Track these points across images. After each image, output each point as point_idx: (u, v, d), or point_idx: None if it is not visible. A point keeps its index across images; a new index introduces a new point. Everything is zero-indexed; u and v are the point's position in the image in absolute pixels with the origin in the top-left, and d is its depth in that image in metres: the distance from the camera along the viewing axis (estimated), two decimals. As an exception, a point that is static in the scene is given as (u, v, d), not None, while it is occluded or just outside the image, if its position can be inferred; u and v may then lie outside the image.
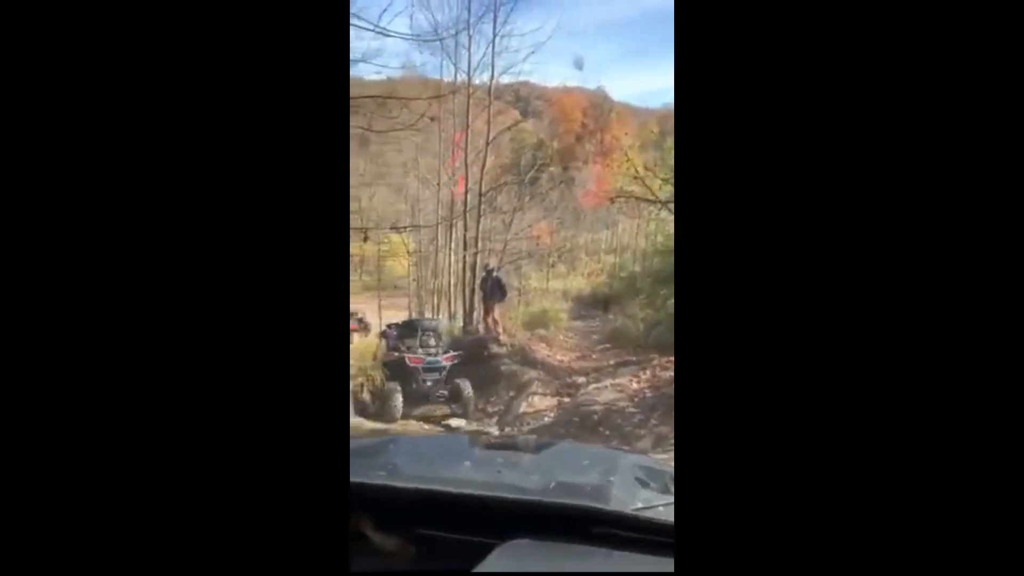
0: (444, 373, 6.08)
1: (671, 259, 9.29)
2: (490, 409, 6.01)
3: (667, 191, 8.65)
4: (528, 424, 5.11)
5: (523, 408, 5.62)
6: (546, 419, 5.04)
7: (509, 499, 0.71)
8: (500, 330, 7.70)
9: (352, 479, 0.48)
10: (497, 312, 7.85)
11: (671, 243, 10.50)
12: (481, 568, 0.55)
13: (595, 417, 4.61)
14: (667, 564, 0.48)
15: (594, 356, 7.90)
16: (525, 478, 0.78)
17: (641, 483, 0.81)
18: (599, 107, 25.24)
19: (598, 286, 14.62)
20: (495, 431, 5.10)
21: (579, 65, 28.81)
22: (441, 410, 6.00)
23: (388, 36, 3.70)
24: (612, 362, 6.87)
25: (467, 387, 5.88)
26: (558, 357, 7.70)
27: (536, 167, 12.51)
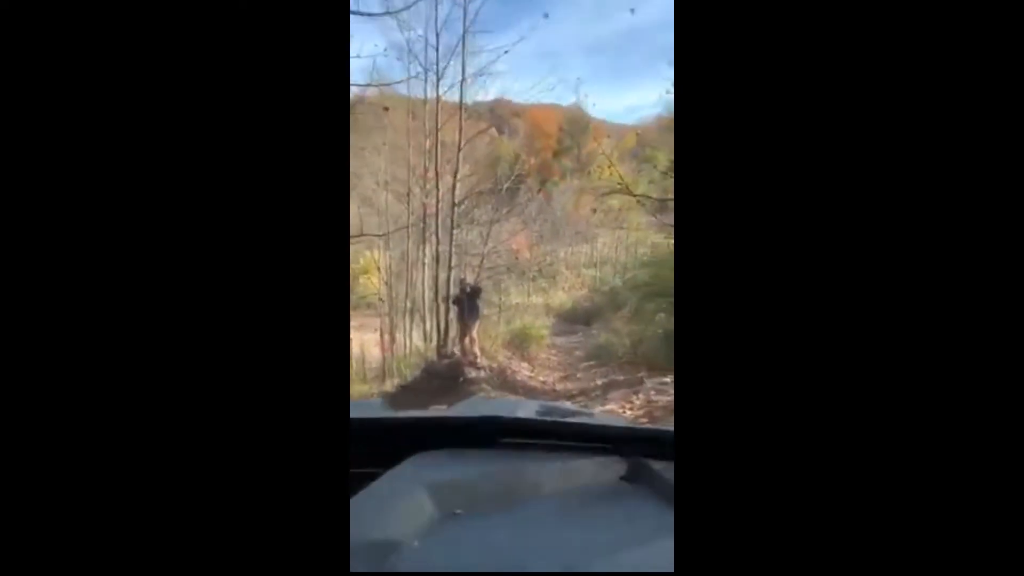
0: None
1: (655, 271, 9.10)
2: None
3: (654, 191, 8.34)
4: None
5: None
6: None
7: (415, 417, 0.81)
8: (477, 351, 7.09)
9: None
10: (475, 331, 7.26)
11: (654, 254, 10.34)
12: (392, 474, 0.62)
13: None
14: (581, 462, 0.65)
15: (579, 376, 7.40)
16: None
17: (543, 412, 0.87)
18: (576, 122, 25.19)
19: (580, 301, 14.33)
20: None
21: (545, 14, 29.47)
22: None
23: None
24: (599, 382, 6.35)
25: None
26: (540, 378, 7.15)
27: (513, 178, 12.17)
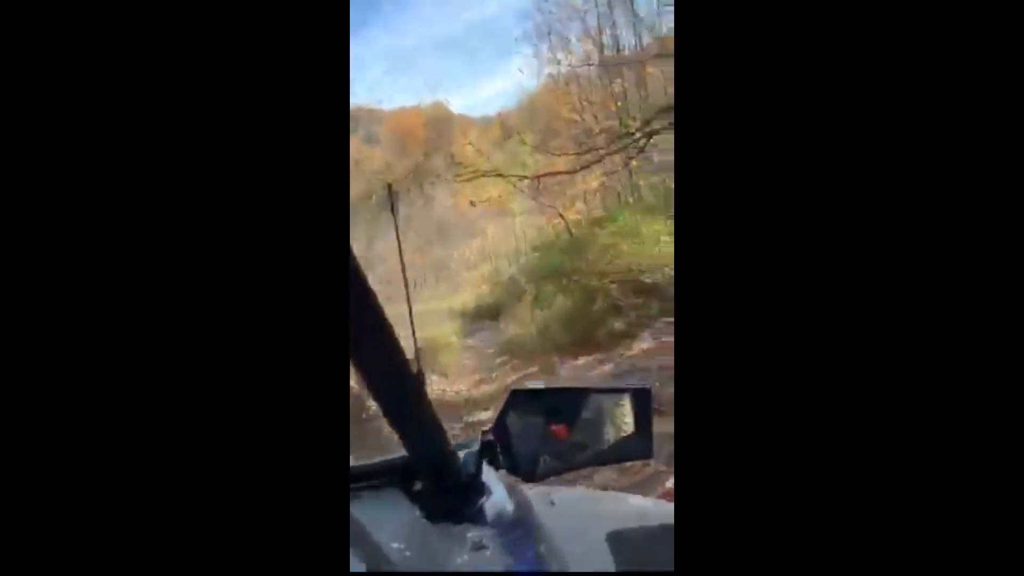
0: None
1: (543, 254, 9.20)
2: None
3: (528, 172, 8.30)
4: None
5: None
6: None
7: None
8: None
9: None
10: None
11: (539, 237, 10.46)
12: None
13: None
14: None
15: (494, 376, 7.26)
16: None
17: None
18: (441, 120, 24.93)
19: (481, 297, 14.19)
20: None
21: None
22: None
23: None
24: (512, 379, 6.24)
25: None
26: (455, 388, 6.91)
27: (387, 188, 11.68)
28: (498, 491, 0.73)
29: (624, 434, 0.78)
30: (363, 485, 0.76)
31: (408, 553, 0.60)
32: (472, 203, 9.50)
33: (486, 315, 12.58)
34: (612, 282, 6.41)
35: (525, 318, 8.70)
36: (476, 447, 0.73)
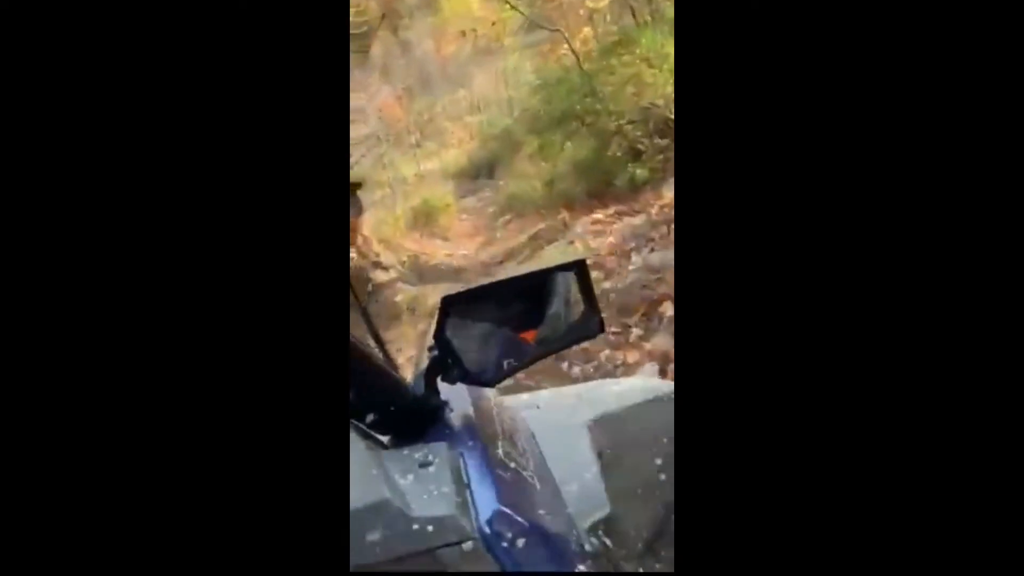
0: None
1: (548, 95, 8.15)
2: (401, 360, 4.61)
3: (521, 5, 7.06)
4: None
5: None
6: None
7: None
8: (376, 249, 6.07)
9: None
10: (364, 228, 6.14)
11: (541, 76, 9.28)
12: None
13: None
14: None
15: (499, 236, 6.72)
16: None
17: None
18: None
19: (474, 153, 13.21)
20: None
21: None
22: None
23: None
24: (523, 238, 5.68)
25: None
26: (461, 252, 6.38)
27: (360, 33, 10.24)
28: (460, 404, 0.72)
29: (576, 314, 0.75)
30: None
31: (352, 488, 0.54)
32: (463, 32, 8.22)
33: (482, 173, 11.77)
34: (630, 122, 5.57)
35: (527, 171, 7.95)
36: (423, 367, 0.70)
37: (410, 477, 0.56)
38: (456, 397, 0.71)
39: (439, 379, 0.68)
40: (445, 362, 0.67)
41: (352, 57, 9.62)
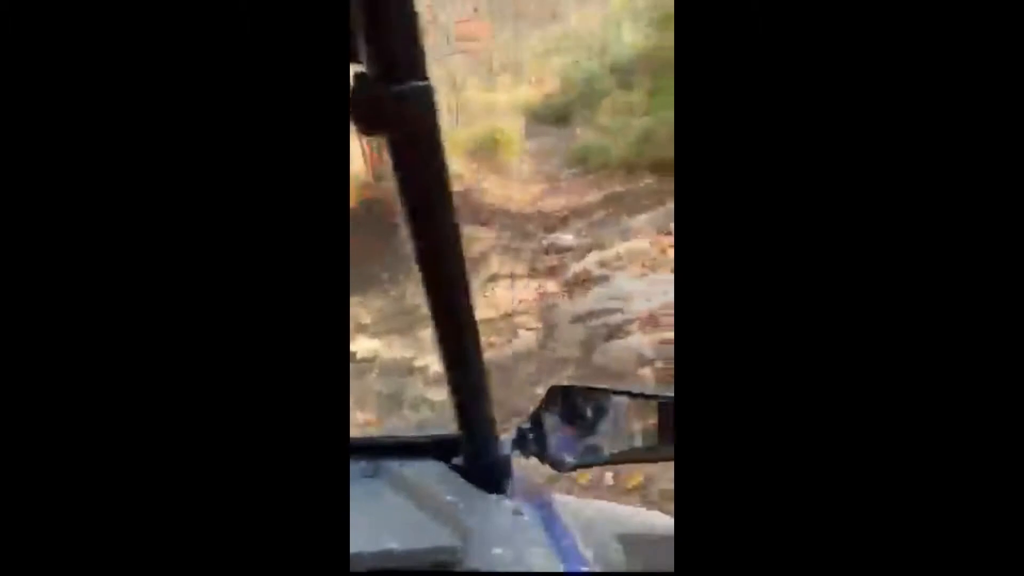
0: None
1: (664, 34, 7.11)
2: (423, 309, 3.65)
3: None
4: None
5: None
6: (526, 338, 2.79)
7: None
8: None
9: None
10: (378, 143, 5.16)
11: (657, 12, 8.16)
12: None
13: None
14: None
15: (563, 186, 5.90)
16: None
17: None
18: None
19: (550, 96, 12.21)
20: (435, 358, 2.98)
21: None
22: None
23: None
24: (597, 197, 4.84)
25: None
26: (517, 197, 5.57)
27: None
28: (520, 477, 0.81)
29: (647, 445, 0.80)
30: (405, 455, 0.85)
31: (461, 505, 0.68)
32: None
33: (551, 119, 10.83)
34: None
35: (607, 124, 7.03)
36: (514, 434, 0.80)
37: (508, 519, 0.69)
38: (517, 470, 0.80)
39: (519, 450, 0.79)
40: (530, 438, 0.78)
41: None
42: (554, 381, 2.26)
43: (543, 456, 0.78)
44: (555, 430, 0.78)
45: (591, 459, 0.81)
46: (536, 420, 0.78)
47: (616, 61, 9.37)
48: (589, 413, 0.81)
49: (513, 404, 2.51)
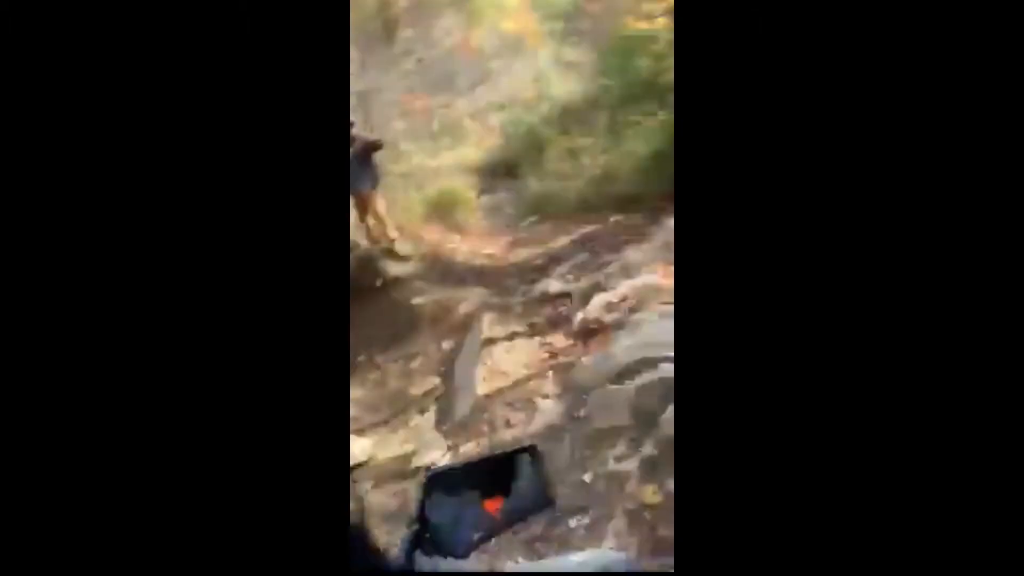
0: None
1: (591, 85, 7.30)
2: (413, 391, 3.22)
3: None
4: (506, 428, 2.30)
5: (480, 386, 2.62)
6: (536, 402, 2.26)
7: None
8: (393, 233, 5.10)
9: None
10: (380, 205, 5.16)
11: (587, 61, 8.47)
12: None
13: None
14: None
15: (525, 236, 5.89)
16: None
17: None
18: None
19: (492, 152, 12.46)
20: (440, 454, 2.45)
21: None
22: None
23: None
24: (566, 241, 4.83)
25: None
26: (486, 251, 5.51)
27: (383, 26, 9.66)
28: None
29: (533, 490, 0.81)
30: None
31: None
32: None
33: (498, 173, 11.01)
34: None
35: (557, 169, 7.13)
36: (403, 544, 0.74)
37: None
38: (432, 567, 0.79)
39: (418, 552, 0.73)
40: (423, 537, 0.73)
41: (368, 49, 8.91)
42: (611, 457, 1.74)
43: (440, 551, 0.72)
44: (444, 518, 0.73)
45: (488, 531, 0.78)
46: (422, 517, 0.72)
47: (551, 112, 9.68)
48: (481, 488, 0.79)
49: (568, 499, 2.01)
